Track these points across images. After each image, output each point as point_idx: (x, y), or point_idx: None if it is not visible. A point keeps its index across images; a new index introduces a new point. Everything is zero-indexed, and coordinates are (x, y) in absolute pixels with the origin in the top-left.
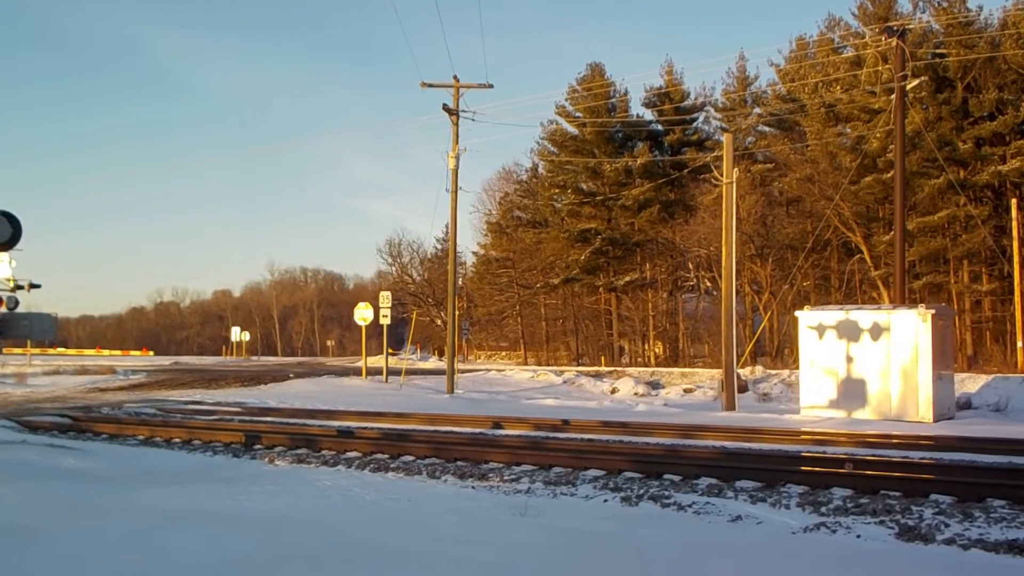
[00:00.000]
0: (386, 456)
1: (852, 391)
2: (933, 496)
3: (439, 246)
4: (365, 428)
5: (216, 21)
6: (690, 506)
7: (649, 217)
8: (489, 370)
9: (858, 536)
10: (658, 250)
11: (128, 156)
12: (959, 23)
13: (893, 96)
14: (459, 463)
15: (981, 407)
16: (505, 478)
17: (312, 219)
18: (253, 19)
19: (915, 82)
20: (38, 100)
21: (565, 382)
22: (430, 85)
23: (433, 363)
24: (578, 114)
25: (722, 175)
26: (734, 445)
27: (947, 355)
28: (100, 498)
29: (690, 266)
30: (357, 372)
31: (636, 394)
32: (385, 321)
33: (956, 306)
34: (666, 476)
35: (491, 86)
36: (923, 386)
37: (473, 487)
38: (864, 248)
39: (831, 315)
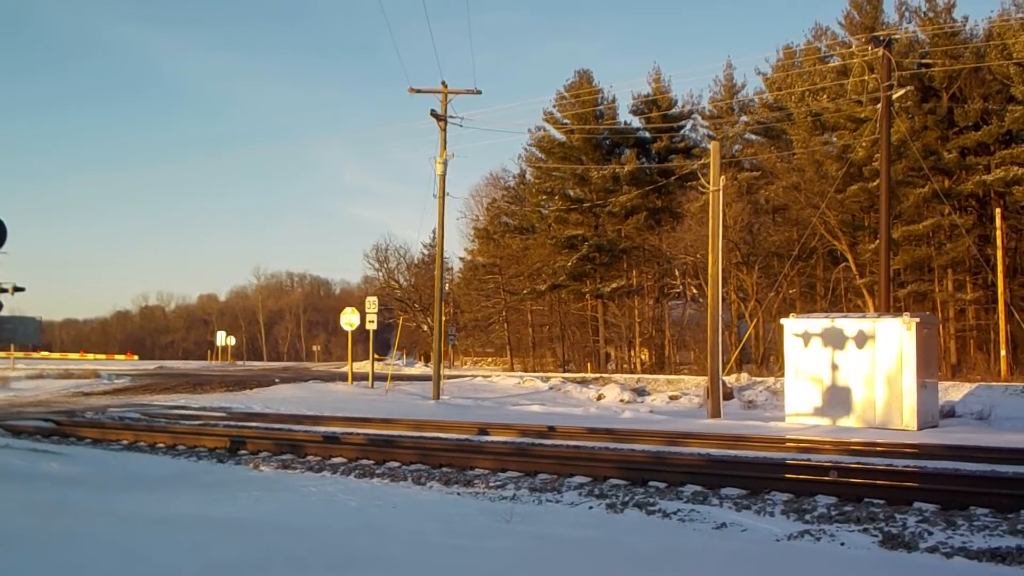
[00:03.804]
0: (372, 462)
1: (837, 399)
2: (917, 504)
3: (426, 251)
4: (351, 434)
5: (210, 27)
6: (675, 513)
7: (636, 224)
8: (475, 376)
9: (842, 544)
10: (645, 257)
11: (114, 160)
12: (944, 34)
13: (879, 105)
14: (445, 469)
15: (965, 415)
16: (491, 484)
17: (298, 223)
18: (244, 25)
19: (901, 92)
20: (26, 100)
21: (551, 388)
22: (418, 91)
23: (419, 369)
24: (566, 121)
25: (709, 183)
26: (719, 452)
27: (931, 363)
28: (83, 503)
29: (676, 273)
30: (343, 377)
31: (622, 401)
32: (371, 326)
33: (940, 315)
34: (651, 483)
35: (479, 92)
36: (907, 394)
37: (459, 493)
38: (849, 256)
39: (816, 323)
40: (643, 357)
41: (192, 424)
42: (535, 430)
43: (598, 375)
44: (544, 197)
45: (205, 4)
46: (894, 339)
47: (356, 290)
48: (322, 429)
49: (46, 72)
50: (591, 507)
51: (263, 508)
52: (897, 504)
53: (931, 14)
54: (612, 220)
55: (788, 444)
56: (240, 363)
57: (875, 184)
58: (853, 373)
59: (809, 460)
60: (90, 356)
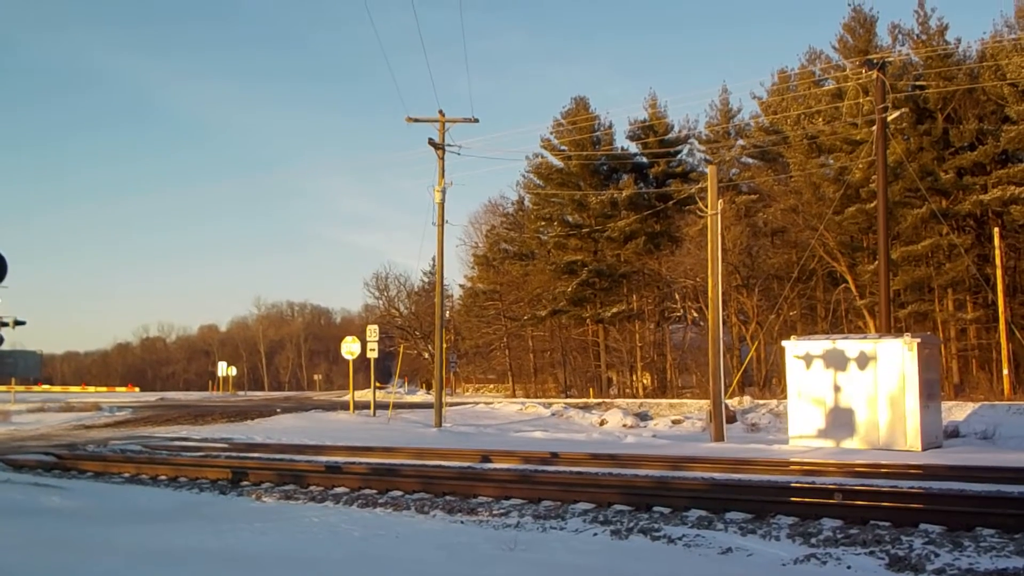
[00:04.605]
0: (374, 491)
1: (840, 420)
2: (923, 526)
3: (426, 279)
4: (353, 463)
5: (205, 55)
6: (680, 538)
7: (635, 249)
8: (477, 403)
9: (848, 567)
10: (644, 281)
11: (112, 190)
12: (938, 55)
13: (875, 127)
14: (448, 497)
15: (969, 435)
16: (494, 512)
17: (299, 253)
18: (240, 52)
19: (896, 113)
20: (19, 131)
21: (553, 414)
22: (416, 120)
23: (421, 396)
24: (563, 147)
25: (707, 206)
26: (723, 476)
27: (934, 384)
28: (84, 537)
29: (677, 297)
30: (344, 406)
31: (625, 426)
32: (372, 355)
33: (941, 334)
34: (656, 508)
35: (476, 120)
36: (911, 415)
37: (462, 522)
38: (849, 277)
39: (818, 344)
40: (645, 381)
41: (194, 456)
42: (538, 457)
43: (600, 400)
44: (543, 223)
45: (200, 31)
46: (896, 360)
47: (357, 319)
48: (324, 459)
49: (38, 102)
50: (595, 534)
51: (266, 539)
52: (903, 526)
53: (924, 36)
54: (611, 245)
55: (792, 467)
56: (241, 393)
57: (872, 205)
58: (856, 394)
59: (814, 483)
60: (91, 389)
